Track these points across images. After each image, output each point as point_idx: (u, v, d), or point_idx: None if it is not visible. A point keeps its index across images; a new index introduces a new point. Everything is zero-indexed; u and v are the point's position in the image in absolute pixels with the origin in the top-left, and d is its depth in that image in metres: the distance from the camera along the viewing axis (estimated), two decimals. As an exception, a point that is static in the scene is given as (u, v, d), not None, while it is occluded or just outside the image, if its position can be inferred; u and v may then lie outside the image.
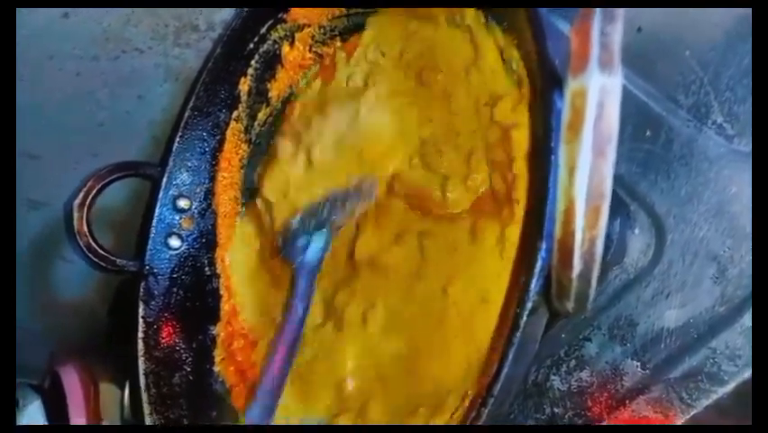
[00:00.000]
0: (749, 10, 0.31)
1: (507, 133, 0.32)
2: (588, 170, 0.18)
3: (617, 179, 0.34)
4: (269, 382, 0.38)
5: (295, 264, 0.40)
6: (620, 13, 0.18)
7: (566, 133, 0.18)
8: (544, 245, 0.22)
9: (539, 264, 0.22)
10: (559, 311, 0.22)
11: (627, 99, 0.33)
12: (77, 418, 0.50)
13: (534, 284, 0.22)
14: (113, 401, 0.56)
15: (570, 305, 0.20)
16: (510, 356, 0.22)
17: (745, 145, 0.31)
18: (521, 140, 0.30)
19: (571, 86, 0.18)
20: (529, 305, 0.22)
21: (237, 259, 0.44)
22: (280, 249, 0.41)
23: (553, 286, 0.21)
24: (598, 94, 0.18)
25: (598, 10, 0.18)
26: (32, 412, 0.52)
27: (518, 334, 0.23)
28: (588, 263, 0.19)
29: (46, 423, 0.50)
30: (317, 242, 0.40)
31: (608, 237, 0.34)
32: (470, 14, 0.35)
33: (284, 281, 0.42)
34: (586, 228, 0.18)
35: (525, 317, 0.23)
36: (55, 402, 0.55)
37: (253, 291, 0.44)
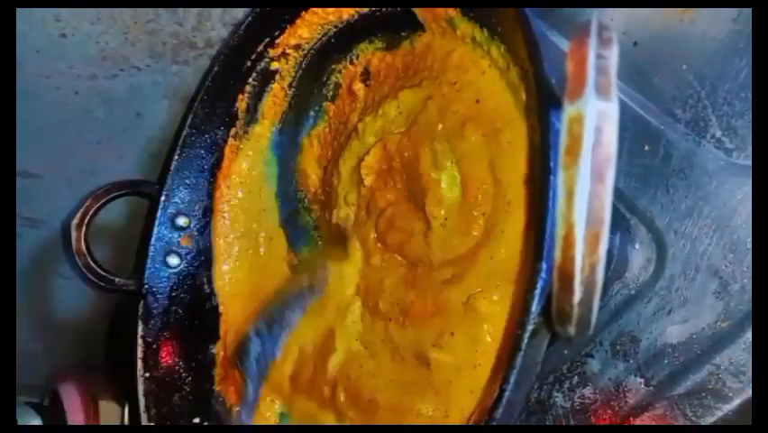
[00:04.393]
0: (744, 24, 0.31)
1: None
2: (586, 196, 0.18)
3: (617, 193, 0.34)
4: None
5: (245, 372, 0.40)
6: (615, 36, 0.18)
7: (564, 159, 0.18)
8: (544, 266, 0.22)
9: (540, 285, 0.22)
10: (561, 335, 0.22)
11: (625, 113, 0.34)
12: (78, 437, 0.49)
13: (536, 306, 0.22)
14: (113, 419, 0.56)
15: (572, 330, 0.20)
16: (512, 379, 0.22)
17: (744, 159, 0.31)
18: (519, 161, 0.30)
19: (568, 111, 0.18)
20: (530, 327, 0.22)
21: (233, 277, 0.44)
22: (232, 359, 0.41)
23: (554, 311, 0.20)
24: (596, 119, 0.18)
25: (593, 33, 0.18)
26: (32, 432, 0.52)
27: (520, 356, 0.22)
28: (589, 290, 0.19)
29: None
30: (269, 349, 0.39)
31: (609, 252, 0.34)
32: (476, 31, 0.35)
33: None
34: (586, 254, 0.18)
35: (526, 339, 0.22)
36: (55, 421, 0.54)
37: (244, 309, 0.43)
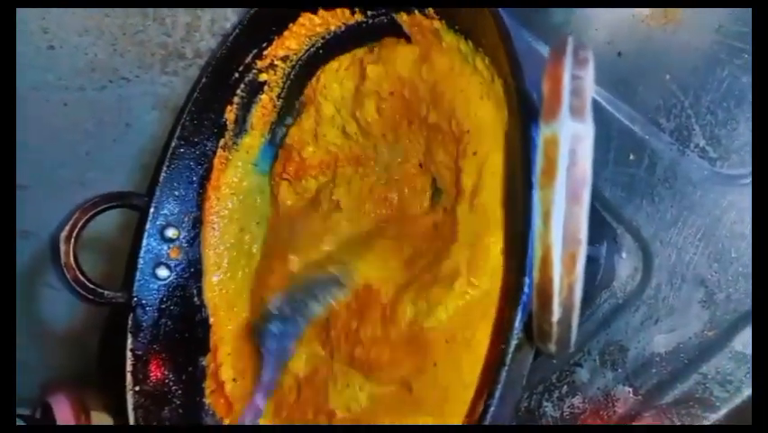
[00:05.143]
0: (725, 35, 0.31)
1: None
2: (562, 217, 0.18)
3: (604, 202, 0.34)
4: None
5: (264, 349, 0.39)
6: (591, 57, 0.18)
7: (540, 180, 0.18)
8: (527, 281, 0.22)
9: (523, 299, 0.22)
10: (542, 352, 0.22)
11: (610, 123, 0.34)
12: (70, 449, 0.49)
13: (519, 320, 0.22)
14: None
15: (552, 347, 0.20)
16: (497, 394, 0.22)
17: (728, 168, 0.31)
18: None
19: (544, 132, 0.18)
20: (514, 342, 0.22)
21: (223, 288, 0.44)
22: (254, 331, 0.41)
23: (534, 329, 0.20)
24: (570, 141, 0.18)
25: (569, 54, 0.18)
26: (23, 445, 0.51)
27: (504, 371, 0.22)
28: (567, 309, 0.19)
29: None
30: (290, 331, 0.39)
31: (596, 261, 0.34)
32: (461, 43, 0.35)
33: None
34: (564, 275, 0.18)
35: (510, 354, 0.22)
36: (47, 433, 0.54)
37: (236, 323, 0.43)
